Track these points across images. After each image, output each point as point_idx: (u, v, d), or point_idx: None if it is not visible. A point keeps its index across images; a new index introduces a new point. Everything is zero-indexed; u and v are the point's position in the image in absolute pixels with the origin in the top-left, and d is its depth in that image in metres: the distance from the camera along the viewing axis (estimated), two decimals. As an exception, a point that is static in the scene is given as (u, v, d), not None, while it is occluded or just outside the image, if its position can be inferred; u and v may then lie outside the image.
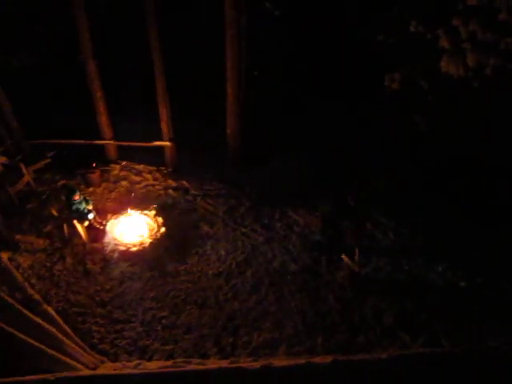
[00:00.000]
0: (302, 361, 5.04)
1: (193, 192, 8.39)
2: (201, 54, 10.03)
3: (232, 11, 7.71)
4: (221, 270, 6.70)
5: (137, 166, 9.04)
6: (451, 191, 7.98)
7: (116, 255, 6.86)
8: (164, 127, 8.60)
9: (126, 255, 6.82)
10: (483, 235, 7.28)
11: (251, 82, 9.31)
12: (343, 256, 6.67)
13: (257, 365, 4.80)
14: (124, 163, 9.14)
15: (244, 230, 7.47)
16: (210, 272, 6.66)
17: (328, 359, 4.91)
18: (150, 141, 8.72)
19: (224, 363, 5.35)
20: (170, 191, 8.38)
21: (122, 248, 6.94)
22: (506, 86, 7.23)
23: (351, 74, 9.58)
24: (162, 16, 7.58)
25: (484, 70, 7.47)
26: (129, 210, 7.70)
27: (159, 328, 5.77)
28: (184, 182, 8.61)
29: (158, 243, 7.10)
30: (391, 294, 6.35)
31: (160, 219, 7.56)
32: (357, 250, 6.43)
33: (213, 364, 5.30)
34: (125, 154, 9.28)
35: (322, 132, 9.63)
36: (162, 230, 7.34)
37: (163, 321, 5.88)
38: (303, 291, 6.31)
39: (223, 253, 6.99)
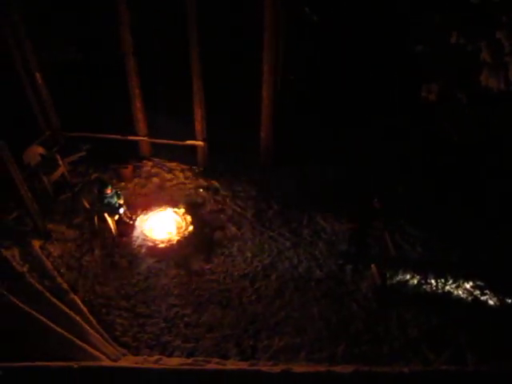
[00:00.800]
0: (322, 368, 4.99)
1: (223, 192, 8.41)
2: (235, 55, 10.08)
3: (270, 14, 7.72)
4: (246, 271, 6.70)
5: (169, 164, 9.11)
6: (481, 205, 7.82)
7: (143, 250, 6.93)
8: (198, 126, 8.65)
9: (154, 251, 6.90)
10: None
11: (286, 86, 9.29)
12: (372, 266, 6.61)
13: (277, 369, 4.78)
14: (156, 160, 9.21)
15: (271, 233, 7.44)
16: (236, 273, 6.67)
17: (349, 369, 4.85)
18: (184, 139, 8.79)
19: (243, 365, 5.35)
20: (200, 190, 8.42)
21: (150, 244, 7.02)
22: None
23: (386, 83, 9.48)
24: (202, 18, 7.65)
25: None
26: (159, 206, 7.83)
27: (181, 325, 5.81)
28: (214, 182, 8.65)
29: (185, 241, 7.15)
30: (417, 306, 6.23)
31: (189, 217, 7.62)
32: (384, 261, 6.36)
33: (232, 365, 5.31)
34: (158, 151, 9.37)
35: (351, 138, 9.54)
36: (190, 228, 7.40)
37: (186, 318, 5.91)
38: (327, 298, 6.25)
39: (249, 255, 6.98)
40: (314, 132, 9.77)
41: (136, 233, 7.29)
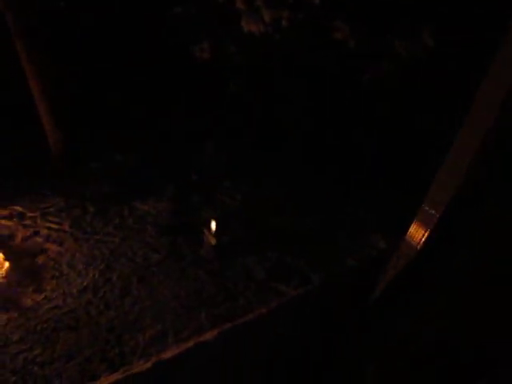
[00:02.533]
0: (190, 343, 5.09)
1: (30, 215, 7.69)
2: None
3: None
4: (85, 284, 6.36)
5: (-47, 206, 7.97)
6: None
7: (-40, 310, 6.09)
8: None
9: (-27, 307, 6.11)
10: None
11: (61, 82, 8.67)
12: (204, 230, 6.81)
13: (148, 365, 4.76)
14: None
15: (97, 236, 7.12)
16: (74, 290, 6.28)
17: (214, 333, 5.03)
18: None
19: (116, 376, 5.19)
20: (4, 221, 7.56)
21: (-34, 300, 6.19)
22: (301, 35, 7.84)
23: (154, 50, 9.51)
24: None
25: (280, 22, 7.96)
26: (-40, 256, 6.88)
27: (36, 368, 5.32)
28: (17, 207, 7.84)
29: (6, 281, 6.43)
30: (256, 251, 6.71)
31: (1, 255, 6.85)
32: (213, 222, 6.59)
33: (104, 382, 5.12)
34: None
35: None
36: (6, 265, 6.67)
37: (38, 359, 5.42)
38: (173, 276, 6.31)
39: (82, 267, 6.61)
40: (111, 121, 9.50)
41: None
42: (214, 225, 6.58)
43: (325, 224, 7.21)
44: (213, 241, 6.60)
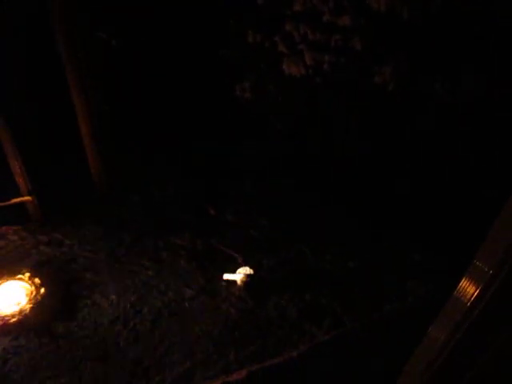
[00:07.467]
0: (217, 383, 4.98)
1: (68, 242, 7.82)
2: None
3: (66, 47, 7.40)
4: (116, 315, 6.33)
5: (-3, 230, 8.20)
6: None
7: (-8, 333, 6.14)
8: (20, 180, 7.89)
9: (5, 329, 6.10)
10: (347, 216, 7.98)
11: (104, 117, 9.02)
12: (237, 268, 6.77)
13: (173, 402, 4.66)
14: (-18, 230, 8.22)
15: (130, 267, 7.14)
16: (105, 320, 6.25)
17: (243, 373, 4.92)
18: (7, 199, 7.96)
19: (140, 411, 5.11)
20: (43, 247, 7.72)
21: (-1, 323, 6.25)
22: (343, 78, 7.93)
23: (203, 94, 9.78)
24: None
25: (322, 66, 8.11)
26: (-2, 279, 7.01)
27: (61, 397, 5.31)
28: (56, 234, 8.00)
29: (40, 306, 6.48)
30: (289, 289, 6.57)
31: (37, 280, 6.93)
32: (246, 261, 6.57)
33: (128, 416, 5.03)
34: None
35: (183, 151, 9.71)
36: (42, 290, 6.75)
37: (64, 387, 5.41)
38: (204, 313, 6.22)
39: (114, 297, 6.61)
40: (152, 155, 9.75)
41: (-22, 316, 6.41)
42: (247, 267, 6.55)
43: (363, 266, 7.03)
44: (246, 278, 6.53)
